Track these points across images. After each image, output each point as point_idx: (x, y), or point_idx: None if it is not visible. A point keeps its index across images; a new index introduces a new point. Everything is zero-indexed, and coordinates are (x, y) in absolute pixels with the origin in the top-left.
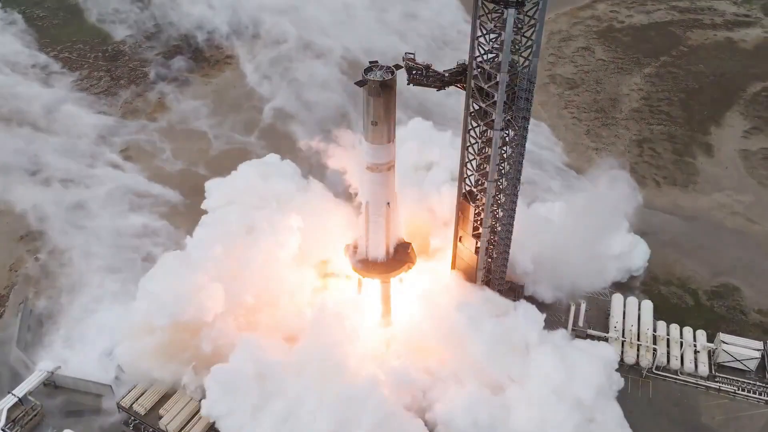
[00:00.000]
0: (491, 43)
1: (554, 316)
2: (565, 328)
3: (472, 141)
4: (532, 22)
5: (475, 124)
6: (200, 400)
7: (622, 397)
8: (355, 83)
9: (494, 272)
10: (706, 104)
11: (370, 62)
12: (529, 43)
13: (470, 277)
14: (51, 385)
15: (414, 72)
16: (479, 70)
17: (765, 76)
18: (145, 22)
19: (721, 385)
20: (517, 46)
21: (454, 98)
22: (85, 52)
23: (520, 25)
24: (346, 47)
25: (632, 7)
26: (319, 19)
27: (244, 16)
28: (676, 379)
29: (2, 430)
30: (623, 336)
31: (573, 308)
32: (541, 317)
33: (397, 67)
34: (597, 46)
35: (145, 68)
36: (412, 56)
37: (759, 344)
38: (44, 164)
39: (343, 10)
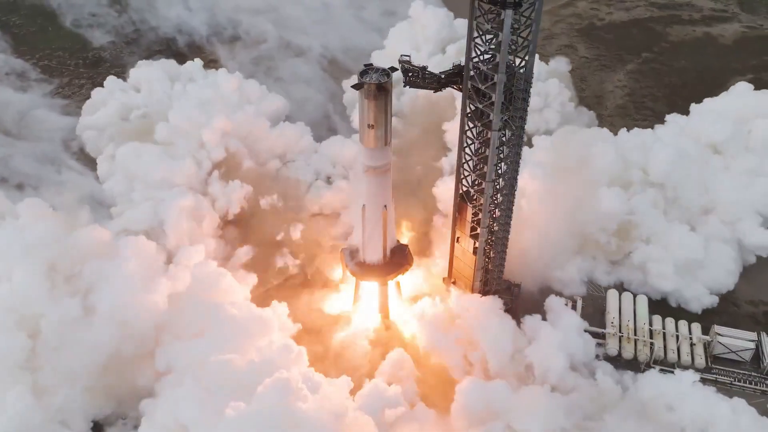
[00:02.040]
0: (488, 44)
1: None
2: None
3: (469, 142)
4: (528, 22)
5: (471, 125)
6: None
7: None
8: (351, 86)
9: (492, 272)
10: (689, 99)
11: (365, 65)
12: (526, 43)
13: (468, 277)
14: None
15: (410, 74)
16: (476, 71)
17: (745, 70)
18: (124, 27)
19: (717, 377)
20: (513, 47)
21: None
22: (65, 59)
23: (516, 26)
24: (326, 45)
25: (612, 5)
26: (298, 18)
27: (222, 18)
28: (673, 372)
29: None
30: (620, 331)
31: (570, 305)
32: None
33: (393, 69)
34: (579, 43)
35: (126, 74)
36: (407, 58)
37: (753, 335)
38: (15, 170)
39: (322, 9)
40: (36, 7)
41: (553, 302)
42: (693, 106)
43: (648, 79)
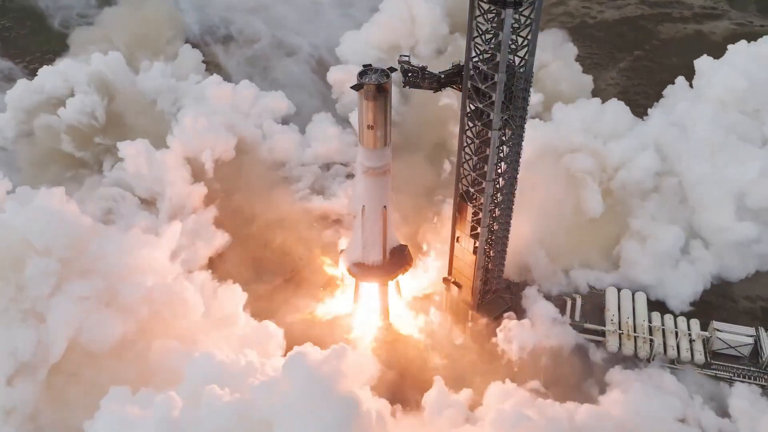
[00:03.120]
0: (487, 44)
1: None
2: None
3: (469, 141)
4: (528, 21)
5: (471, 125)
6: None
7: None
8: (351, 87)
9: (492, 271)
10: None
11: (364, 65)
12: (525, 42)
13: (468, 277)
14: None
15: (410, 74)
16: (475, 70)
17: None
18: None
19: (717, 372)
20: (513, 46)
21: None
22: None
23: (516, 26)
24: (315, 45)
25: (603, 3)
26: (290, 17)
27: (214, 17)
28: (673, 368)
29: None
30: (620, 328)
31: (569, 303)
32: None
33: (392, 69)
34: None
35: None
36: (407, 58)
37: (751, 330)
38: None
39: (311, 7)
40: (26, 10)
41: (528, 293)
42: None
43: (640, 77)
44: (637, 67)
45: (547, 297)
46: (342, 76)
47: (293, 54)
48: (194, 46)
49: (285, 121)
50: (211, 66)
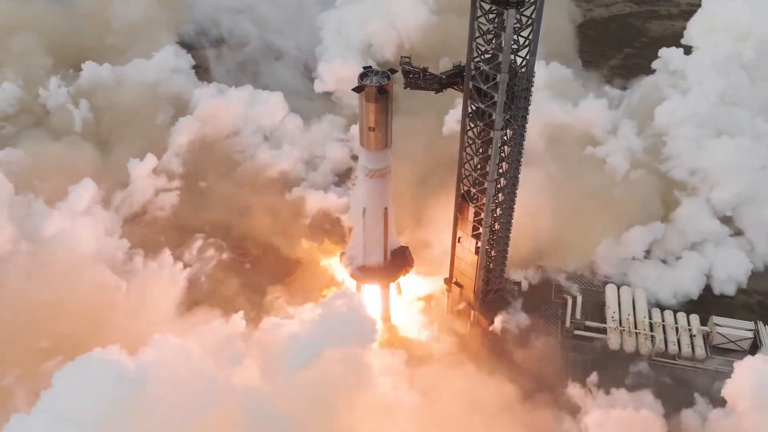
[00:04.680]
0: (488, 44)
1: (552, 310)
2: (563, 322)
3: (470, 142)
4: (530, 21)
5: (473, 125)
6: None
7: None
8: (352, 89)
9: (493, 271)
10: None
11: (364, 67)
12: (527, 42)
13: (470, 277)
14: None
15: (411, 75)
16: (477, 71)
17: None
18: None
19: (717, 367)
20: (515, 46)
21: None
22: None
23: (518, 26)
24: (300, 47)
25: (591, 1)
26: (276, 17)
27: (204, 18)
28: (674, 364)
29: None
30: (621, 325)
31: (570, 302)
32: None
33: (393, 71)
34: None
35: None
36: (408, 59)
37: (750, 324)
38: None
39: (297, 8)
40: None
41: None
42: None
43: (632, 75)
44: (629, 65)
45: (545, 296)
46: (332, 77)
47: (281, 57)
48: (189, 45)
49: (281, 125)
50: (201, 70)
